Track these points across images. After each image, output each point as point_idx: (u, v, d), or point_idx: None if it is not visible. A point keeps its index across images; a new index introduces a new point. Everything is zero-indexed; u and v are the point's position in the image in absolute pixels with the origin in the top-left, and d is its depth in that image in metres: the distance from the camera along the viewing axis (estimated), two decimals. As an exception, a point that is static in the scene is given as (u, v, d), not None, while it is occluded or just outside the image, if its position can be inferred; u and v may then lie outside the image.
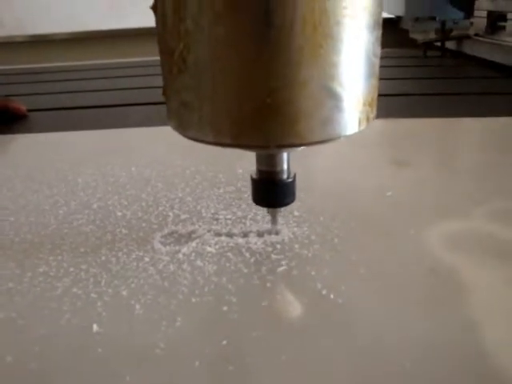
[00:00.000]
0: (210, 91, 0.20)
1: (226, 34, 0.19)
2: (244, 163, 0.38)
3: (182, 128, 0.22)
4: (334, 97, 0.20)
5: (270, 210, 0.27)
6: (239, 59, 0.19)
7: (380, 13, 0.21)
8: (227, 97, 0.20)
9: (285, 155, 0.24)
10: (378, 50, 0.22)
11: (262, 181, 0.25)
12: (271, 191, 0.25)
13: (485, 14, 0.83)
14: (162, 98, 0.23)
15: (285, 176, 0.24)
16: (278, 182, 0.24)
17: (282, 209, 0.27)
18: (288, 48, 0.19)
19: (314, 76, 0.19)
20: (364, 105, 0.21)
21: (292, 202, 0.25)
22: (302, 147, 0.22)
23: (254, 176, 0.25)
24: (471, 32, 0.87)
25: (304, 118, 0.20)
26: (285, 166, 0.24)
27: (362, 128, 0.21)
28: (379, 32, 0.21)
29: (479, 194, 0.32)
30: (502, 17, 0.79)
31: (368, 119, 0.22)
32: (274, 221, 0.27)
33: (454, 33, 0.93)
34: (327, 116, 0.20)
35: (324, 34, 0.19)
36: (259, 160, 0.24)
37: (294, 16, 0.18)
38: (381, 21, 0.21)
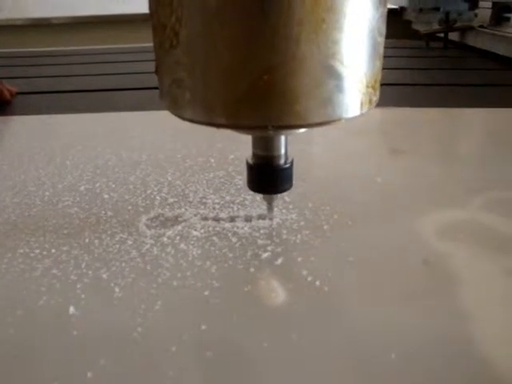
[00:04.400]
0: (203, 67, 0.19)
1: (220, 6, 0.18)
2: (237, 148, 0.37)
3: (175, 107, 0.21)
4: (334, 76, 0.19)
5: (266, 196, 0.26)
6: (234, 33, 0.18)
7: None
8: (221, 73, 0.19)
9: (282, 139, 0.23)
10: (383, 29, 0.20)
11: (258, 166, 0.24)
12: (267, 177, 0.24)
13: (489, 5, 0.82)
14: (156, 83, 0.22)
15: (282, 161, 0.23)
16: (275, 168, 0.23)
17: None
18: (287, 21, 0.17)
19: (314, 52, 0.18)
20: (367, 86, 0.20)
21: (289, 188, 0.24)
22: (301, 130, 0.21)
23: (250, 161, 0.24)
24: (475, 23, 0.86)
25: (303, 98, 0.19)
26: (282, 151, 0.23)
27: (365, 111, 0.20)
28: (385, 10, 0.20)
29: (476, 184, 0.32)
30: (507, 8, 0.78)
31: (371, 102, 0.21)
32: (269, 208, 0.26)
33: (458, 24, 0.91)
34: (327, 96, 0.19)
35: (326, 7, 0.18)
36: (255, 143, 0.23)
37: None
38: None
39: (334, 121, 0.20)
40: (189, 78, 0.19)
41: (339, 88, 0.19)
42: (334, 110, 0.19)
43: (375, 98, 0.21)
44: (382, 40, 0.21)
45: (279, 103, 0.19)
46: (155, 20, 0.20)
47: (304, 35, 0.18)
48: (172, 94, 0.21)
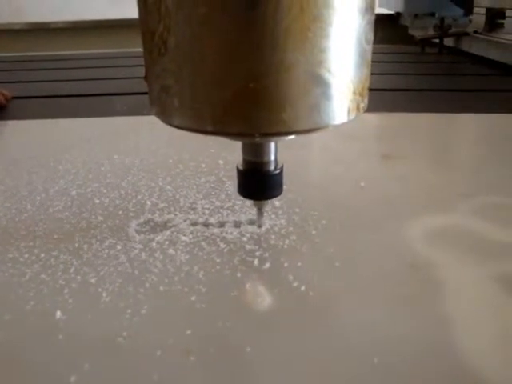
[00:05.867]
0: (191, 75, 0.19)
1: (207, 14, 0.18)
2: (229, 153, 0.37)
3: (163, 114, 0.21)
4: (321, 83, 0.19)
5: (257, 202, 0.26)
6: (221, 41, 0.18)
7: None
8: (208, 81, 0.19)
9: (272, 145, 0.23)
10: (371, 36, 0.20)
11: (248, 172, 0.24)
12: (257, 183, 0.24)
13: (484, 11, 0.82)
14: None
15: (272, 167, 0.24)
16: (265, 174, 0.23)
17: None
18: (273, 30, 0.18)
19: (300, 61, 0.18)
20: (354, 93, 0.20)
21: (279, 194, 0.24)
22: (289, 136, 0.21)
23: (240, 167, 0.24)
24: (470, 29, 0.87)
25: (290, 105, 0.19)
26: (272, 157, 0.23)
27: (352, 117, 0.20)
28: (372, 17, 0.20)
29: (466, 189, 0.32)
30: (501, 14, 0.78)
31: (358, 108, 0.21)
32: (260, 214, 0.26)
33: (453, 30, 0.92)
34: (314, 103, 0.19)
35: (312, 16, 0.18)
36: (245, 150, 0.23)
37: None
38: (374, 5, 0.20)
39: (321, 128, 0.20)
40: (176, 85, 0.20)
41: (326, 95, 0.19)
42: (321, 117, 0.20)
43: (363, 105, 0.21)
44: (369, 47, 0.21)
45: (266, 111, 0.19)
46: (144, 27, 0.21)
47: (290, 44, 0.18)
48: (160, 101, 0.21)
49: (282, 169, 0.24)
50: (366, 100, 0.21)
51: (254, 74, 0.18)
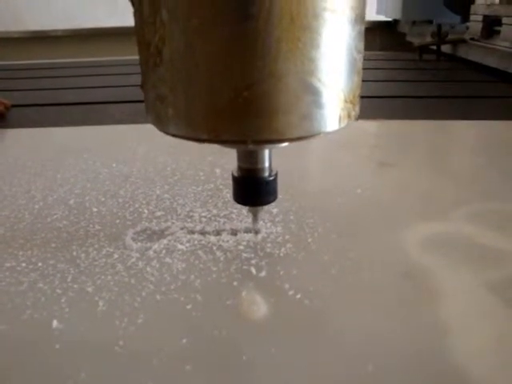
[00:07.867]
0: (185, 84, 0.19)
1: (200, 26, 0.18)
2: (226, 162, 0.37)
3: (159, 123, 0.21)
4: (312, 92, 0.19)
5: (251, 208, 0.26)
6: (214, 51, 0.18)
7: (363, 7, 0.20)
8: (202, 90, 0.19)
9: (266, 152, 0.24)
10: (361, 46, 0.21)
11: (243, 178, 0.24)
12: (252, 189, 0.24)
13: (481, 18, 0.83)
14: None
15: (266, 174, 0.24)
16: (259, 180, 0.24)
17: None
18: (265, 40, 0.18)
19: (291, 70, 0.19)
20: (345, 101, 0.21)
21: (273, 200, 0.25)
22: (282, 144, 0.21)
23: (235, 173, 0.24)
24: (467, 36, 0.87)
25: (282, 113, 0.19)
26: (266, 164, 0.24)
27: (343, 125, 0.21)
28: (362, 27, 0.21)
29: (461, 197, 0.32)
30: (498, 21, 0.79)
31: (350, 116, 0.21)
32: (254, 220, 0.27)
33: (450, 37, 0.93)
34: (306, 112, 0.19)
35: (302, 26, 0.18)
36: (240, 157, 0.24)
37: (270, 7, 0.18)
38: (364, 15, 0.21)
39: (312, 135, 0.20)
40: (171, 95, 0.20)
41: (317, 104, 0.20)
42: (313, 125, 0.20)
43: (354, 113, 0.22)
44: (360, 56, 0.21)
45: (258, 119, 0.19)
46: (140, 38, 0.21)
47: (281, 54, 0.18)
48: (156, 110, 0.21)
49: (276, 175, 0.24)
50: (357, 108, 0.22)
51: (247, 84, 0.19)
